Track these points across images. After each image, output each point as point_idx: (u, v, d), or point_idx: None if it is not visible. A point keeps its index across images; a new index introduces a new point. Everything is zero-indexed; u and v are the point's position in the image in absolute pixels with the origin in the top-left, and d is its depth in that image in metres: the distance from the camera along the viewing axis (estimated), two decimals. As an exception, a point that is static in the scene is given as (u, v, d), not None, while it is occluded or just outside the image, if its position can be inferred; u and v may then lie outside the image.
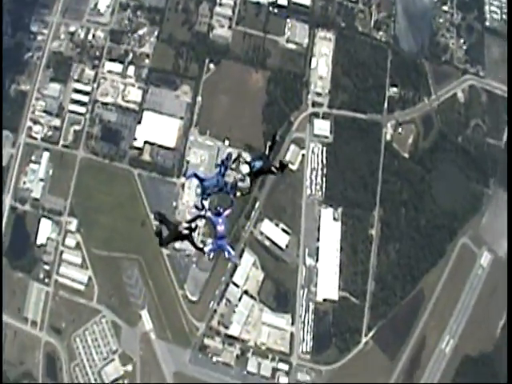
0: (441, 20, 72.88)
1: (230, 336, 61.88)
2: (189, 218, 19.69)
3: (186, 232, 17.86)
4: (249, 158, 18.69)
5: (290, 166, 64.54)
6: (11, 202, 66.00)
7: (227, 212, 18.14)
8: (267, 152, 18.52)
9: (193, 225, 17.97)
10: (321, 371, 61.58)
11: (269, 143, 18.76)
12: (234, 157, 18.72)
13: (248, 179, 18.21)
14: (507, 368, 56.33)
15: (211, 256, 19.62)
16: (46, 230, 64.57)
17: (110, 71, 68.40)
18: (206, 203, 18.48)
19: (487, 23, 73.47)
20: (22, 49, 69.59)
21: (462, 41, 72.25)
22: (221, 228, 17.90)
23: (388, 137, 67.43)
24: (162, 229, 18.44)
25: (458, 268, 64.72)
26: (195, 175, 18.59)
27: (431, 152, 67.73)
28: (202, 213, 18.22)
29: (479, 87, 71.18)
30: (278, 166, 18.49)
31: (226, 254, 18.42)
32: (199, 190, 18.89)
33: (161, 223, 18.74)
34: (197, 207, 18.51)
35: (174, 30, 69.10)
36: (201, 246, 18.96)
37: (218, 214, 18.03)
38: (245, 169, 18.16)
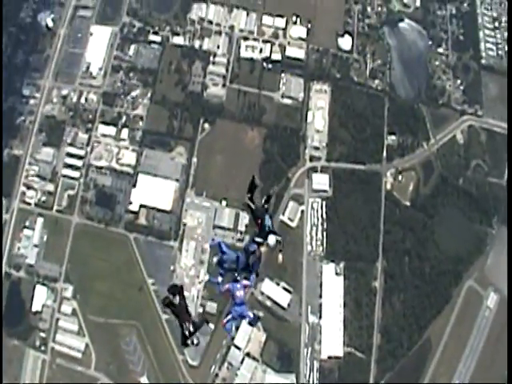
0: (436, 62, 72.23)
1: (234, 400, 60.13)
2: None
3: (192, 326, 16.85)
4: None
5: (290, 223, 63.49)
6: (5, 268, 64.69)
7: (246, 283, 17.12)
8: (252, 201, 17.35)
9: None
10: (329, 432, 59.66)
11: (248, 195, 17.45)
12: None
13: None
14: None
15: (233, 329, 18.07)
16: (41, 297, 63.25)
17: (103, 134, 67.54)
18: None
19: (483, 61, 72.88)
20: (14, 113, 68.95)
21: (458, 81, 71.53)
22: (240, 294, 16.89)
23: (388, 186, 66.23)
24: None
25: (464, 312, 63.22)
26: (219, 245, 17.63)
27: (432, 197, 66.59)
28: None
29: (478, 127, 70.41)
30: (265, 200, 17.59)
31: (247, 319, 17.11)
32: (215, 259, 17.73)
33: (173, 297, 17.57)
34: (211, 281, 17.72)
35: (167, 90, 68.33)
36: (188, 342, 17.21)
37: (236, 281, 17.05)
38: (272, 240, 16.57)
